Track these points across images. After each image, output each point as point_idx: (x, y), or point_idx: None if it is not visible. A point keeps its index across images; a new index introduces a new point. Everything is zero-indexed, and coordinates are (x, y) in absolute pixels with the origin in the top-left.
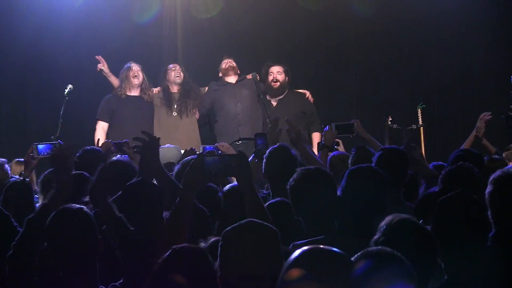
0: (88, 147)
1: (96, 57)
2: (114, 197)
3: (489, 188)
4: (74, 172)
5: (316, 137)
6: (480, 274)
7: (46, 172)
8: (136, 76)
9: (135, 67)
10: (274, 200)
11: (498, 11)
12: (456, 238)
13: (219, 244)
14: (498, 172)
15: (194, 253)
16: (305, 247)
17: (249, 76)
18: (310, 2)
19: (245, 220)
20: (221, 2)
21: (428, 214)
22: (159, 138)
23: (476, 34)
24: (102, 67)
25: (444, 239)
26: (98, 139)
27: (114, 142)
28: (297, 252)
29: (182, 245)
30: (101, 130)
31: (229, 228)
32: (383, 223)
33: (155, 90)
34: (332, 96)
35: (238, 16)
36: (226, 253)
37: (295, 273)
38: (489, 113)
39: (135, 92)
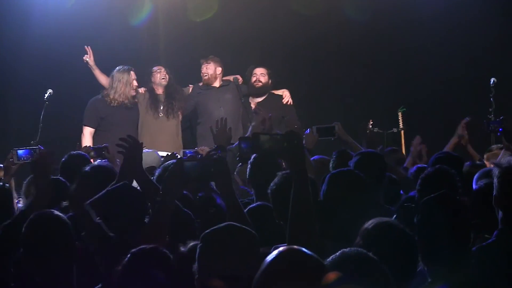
0: (74, 152)
1: (85, 47)
2: (92, 199)
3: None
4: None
5: None
6: (464, 277)
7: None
8: (135, 89)
9: (135, 81)
10: (255, 204)
11: (478, 16)
12: (440, 240)
13: (198, 246)
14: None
15: (153, 254)
16: (281, 248)
17: (231, 78)
18: (304, 7)
19: (224, 223)
20: (215, 5)
21: (408, 217)
22: (142, 143)
23: (456, 38)
24: (88, 59)
25: (428, 241)
26: (78, 144)
27: (93, 147)
28: (274, 253)
29: (140, 247)
30: (89, 135)
31: (208, 231)
32: (364, 227)
33: (141, 89)
34: (314, 99)
35: (226, 19)
36: (205, 255)
37: (333, 276)
38: (468, 118)
39: (125, 99)
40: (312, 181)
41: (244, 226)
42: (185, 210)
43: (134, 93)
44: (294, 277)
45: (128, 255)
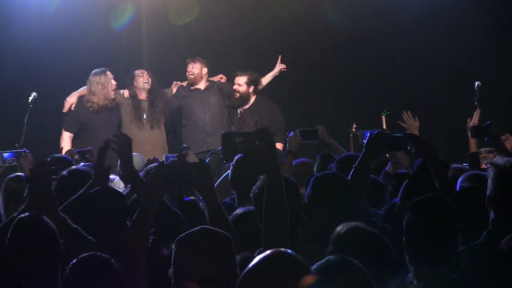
0: (57, 155)
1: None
2: (68, 201)
3: (494, 181)
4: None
5: (278, 147)
6: (450, 279)
7: (7, 179)
8: (114, 90)
9: (113, 81)
10: (245, 209)
11: (462, 20)
12: (428, 242)
13: (173, 250)
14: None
15: (93, 262)
16: (268, 251)
17: (215, 79)
18: (286, 11)
19: (198, 227)
20: (197, 8)
21: (396, 222)
22: (131, 140)
23: (440, 42)
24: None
25: (416, 243)
26: (62, 148)
27: (77, 150)
28: (261, 255)
29: (83, 255)
30: (68, 139)
31: (182, 235)
32: (334, 234)
33: (125, 93)
34: (296, 102)
35: (208, 22)
36: (180, 259)
37: (310, 279)
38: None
39: (105, 101)
40: (293, 183)
41: (218, 229)
42: (174, 209)
43: (113, 95)
44: (279, 279)
45: (69, 266)
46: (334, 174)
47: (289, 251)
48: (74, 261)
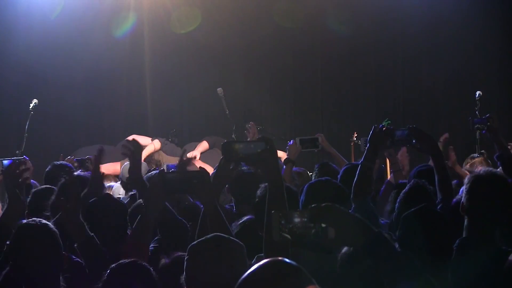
0: (57, 162)
1: None
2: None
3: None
4: (44, 186)
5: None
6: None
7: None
8: None
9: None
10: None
11: (464, 31)
12: (421, 254)
13: (185, 258)
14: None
15: (132, 268)
16: (264, 261)
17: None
18: (287, 20)
19: (211, 235)
20: (199, 17)
21: None
22: (142, 147)
23: (441, 52)
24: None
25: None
26: (62, 155)
27: (76, 159)
28: (256, 264)
29: (120, 262)
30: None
31: (195, 242)
32: None
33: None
34: (297, 110)
35: (210, 31)
36: (192, 266)
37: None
38: (446, 134)
39: None
40: (294, 192)
41: (231, 237)
42: (180, 218)
43: None
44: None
45: (108, 271)
46: (327, 181)
47: (287, 260)
48: (113, 266)
